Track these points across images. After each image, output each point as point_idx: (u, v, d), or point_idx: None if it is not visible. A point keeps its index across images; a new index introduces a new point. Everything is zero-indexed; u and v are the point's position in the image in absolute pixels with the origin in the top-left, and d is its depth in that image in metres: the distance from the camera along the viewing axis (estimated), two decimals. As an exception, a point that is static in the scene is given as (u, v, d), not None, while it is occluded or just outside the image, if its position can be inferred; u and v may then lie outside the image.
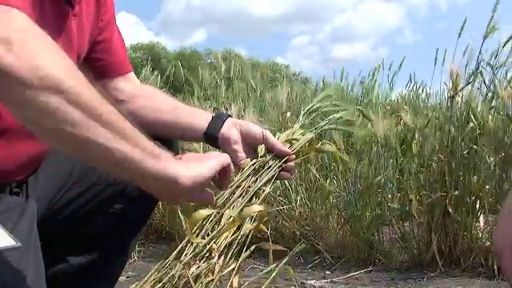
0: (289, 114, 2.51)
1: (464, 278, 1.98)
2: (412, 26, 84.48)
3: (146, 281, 0.70)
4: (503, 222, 0.68)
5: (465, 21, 2.15)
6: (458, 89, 2.09)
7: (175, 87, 3.30)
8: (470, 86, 2.16)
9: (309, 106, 1.17)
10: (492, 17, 2.03)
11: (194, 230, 0.78)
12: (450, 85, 2.10)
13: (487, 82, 2.19)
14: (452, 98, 2.11)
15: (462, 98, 2.15)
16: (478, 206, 2.08)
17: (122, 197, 1.02)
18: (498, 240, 0.67)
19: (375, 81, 3.00)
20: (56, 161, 0.99)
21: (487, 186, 2.09)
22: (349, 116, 1.28)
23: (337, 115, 1.17)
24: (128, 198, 1.02)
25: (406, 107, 2.75)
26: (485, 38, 2.07)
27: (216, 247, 0.75)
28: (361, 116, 2.20)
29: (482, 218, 2.08)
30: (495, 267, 1.96)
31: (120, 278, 1.15)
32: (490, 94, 2.20)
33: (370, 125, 2.21)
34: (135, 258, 2.37)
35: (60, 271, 1.02)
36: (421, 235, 2.17)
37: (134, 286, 0.69)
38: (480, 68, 2.15)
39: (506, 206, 0.69)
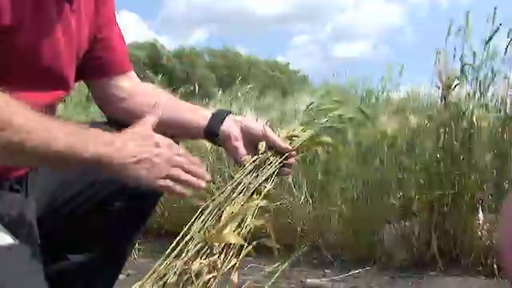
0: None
1: (464, 277, 1.98)
2: (413, 24, 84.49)
3: (148, 278, 0.70)
4: (506, 221, 0.68)
5: (450, 24, 2.16)
6: (451, 89, 2.08)
7: (175, 85, 3.29)
8: (459, 86, 2.15)
9: (309, 104, 1.17)
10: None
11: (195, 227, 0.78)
12: (441, 85, 2.11)
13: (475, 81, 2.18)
14: (444, 98, 2.11)
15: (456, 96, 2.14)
16: (475, 204, 2.08)
17: (122, 194, 1.02)
18: (500, 239, 0.67)
19: (385, 82, 2.97)
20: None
21: (485, 185, 2.09)
22: (349, 114, 1.28)
23: (336, 112, 1.17)
24: (129, 196, 1.02)
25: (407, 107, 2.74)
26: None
27: (217, 244, 0.75)
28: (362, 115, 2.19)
29: (481, 217, 2.08)
30: (495, 266, 1.96)
31: (120, 276, 1.14)
32: (478, 93, 2.19)
33: (378, 123, 2.20)
34: (135, 256, 2.37)
35: (60, 269, 1.01)
36: (421, 234, 2.16)
37: (136, 285, 0.69)
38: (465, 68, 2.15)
39: (508, 204, 0.69)
